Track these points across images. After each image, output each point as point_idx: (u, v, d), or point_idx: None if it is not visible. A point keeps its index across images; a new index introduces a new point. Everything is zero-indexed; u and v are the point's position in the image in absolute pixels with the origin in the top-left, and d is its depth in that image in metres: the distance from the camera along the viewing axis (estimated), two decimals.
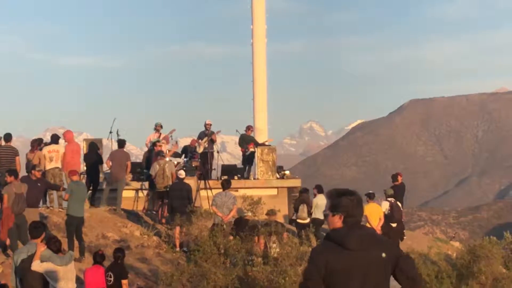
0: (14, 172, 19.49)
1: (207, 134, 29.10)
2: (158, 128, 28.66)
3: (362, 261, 6.65)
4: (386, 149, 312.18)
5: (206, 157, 28.67)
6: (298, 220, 25.02)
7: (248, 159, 30.08)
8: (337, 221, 6.76)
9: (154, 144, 27.26)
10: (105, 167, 26.77)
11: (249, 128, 30.51)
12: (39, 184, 20.22)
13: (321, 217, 25.80)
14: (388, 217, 24.89)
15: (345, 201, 6.76)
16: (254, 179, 29.70)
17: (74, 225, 20.02)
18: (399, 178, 27.37)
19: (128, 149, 28.74)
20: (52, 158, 23.94)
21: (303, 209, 25.09)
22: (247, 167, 30.08)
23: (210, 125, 29.41)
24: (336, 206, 6.74)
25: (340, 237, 6.66)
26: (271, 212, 22.58)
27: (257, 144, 30.07)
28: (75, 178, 20.59)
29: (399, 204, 25.48)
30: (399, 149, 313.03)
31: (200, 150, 28.78)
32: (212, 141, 29.13)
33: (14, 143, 24.41)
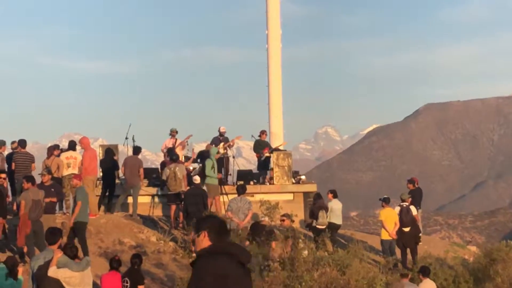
0: (31, 179, 19.55)
1: (222, 140, 29.08)
2: (173, 133, 28.67)
3: (246, 272, 6.99)
4: (402, 153, 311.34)
5: (222, 162, 28.65)
6: (318, 226, 25.01)
7: (264, 164, 30.05)
8: (202, 239, 6.99)
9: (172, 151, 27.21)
10: (121, 173, 26.81)
11: (263, 132, 30.47)
12: (52, 190, 20.30)
13: (337, 222, 25.78)
14: (399, 222, 24.87)
15: (206, 221, 7.13)
16: (269, 182, 29.57)
17: (84, 230, 20.08)
18: (416, 183, 27.36)
19: (143, 155, 28.81)
20: (70, 165, 24.02)
21: (323, 215, 25.09)
22: (263, 173, 30.04)
23: (225, 131, 29.42)
24: (199, 227, 7.04)
25: (231, 249, 6.96)
26: (287, 217, 22.57)
27: (272, 149, 30.04)
28: (77, 183, 20.57)
29: (413, 208, 25.35)
30: (414, 153, 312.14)
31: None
32: (229, 146, 29.15)
33: (30, 149, 24.51)
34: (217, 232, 6.99)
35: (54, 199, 20.36)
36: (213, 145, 29.16)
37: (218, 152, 27.08)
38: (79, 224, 20.08)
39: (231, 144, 29.27)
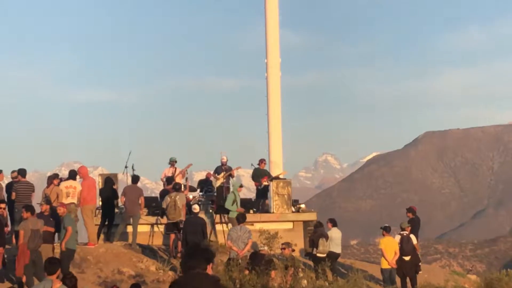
0: (30, 208, 19.56)
1: (225, 170, 29.14)
2: (173, 163, 28.74)
3: None
4: (402, 181, 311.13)
5: (222, 191, 28.66)
6: (318, 254, 24.93)
7: (263, 193, 30.03)
8: None
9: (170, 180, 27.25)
10: (120, 202, 26.81)
11: (262, 161, 30.50)
12: (51, 219, 20.29)
13: (337, 250, 25.72)
14: (399, 251, 24.84)
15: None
16: (264, 210, 29.47)
17: (70, 258, 20.03)
18: (415, 212, 27.35)
19: (143, 184, 28.77)
20: (69, 194, 24.01)
21: (323, 242, 25.04)
22: (261, 201, 30.01)
23: (226, 161, 29.49)
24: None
25: (185, 280, 7.59)
26: (287, 245, 22.56)
27: (271, 178, 30.03)
28: (64, 211, 20.57)
29: (413, 237, 25.34)
30: (414, 181, 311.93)
31: (217, 184, 28.82)
32: (230, 176, 29.18)
33: (29, 178, 24.54)
34: (184, 263, 7.73)
35: (52, 229, 20.33)
36: (216, 174, 29.19)
37: (241, 186, 27.14)
38: (67, 251, 20.01)
39: (232, 174, 29.31)
